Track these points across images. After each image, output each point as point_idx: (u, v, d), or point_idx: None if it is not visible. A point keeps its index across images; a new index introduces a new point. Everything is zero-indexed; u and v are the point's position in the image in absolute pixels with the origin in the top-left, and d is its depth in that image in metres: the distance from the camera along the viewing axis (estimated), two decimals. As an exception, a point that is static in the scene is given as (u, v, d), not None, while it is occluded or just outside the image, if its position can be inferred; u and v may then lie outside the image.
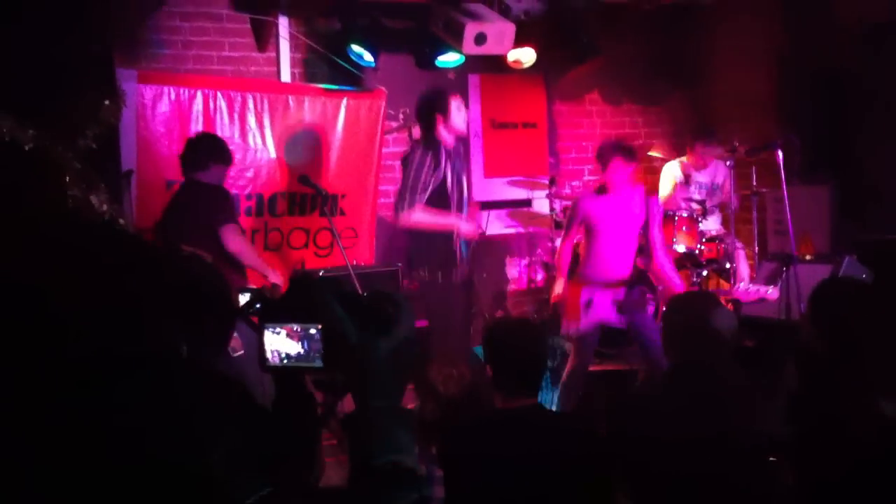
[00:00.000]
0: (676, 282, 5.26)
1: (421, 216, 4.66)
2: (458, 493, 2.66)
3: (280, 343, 1.64)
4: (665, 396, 3.02)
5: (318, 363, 1.61)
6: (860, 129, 6.30)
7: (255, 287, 3.59)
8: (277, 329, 1.64)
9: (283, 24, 6.07)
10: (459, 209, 4.84)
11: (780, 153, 5.73)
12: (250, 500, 1.66)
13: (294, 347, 1.62)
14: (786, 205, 5.77)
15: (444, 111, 4.77)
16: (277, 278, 4.56)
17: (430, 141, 4.76)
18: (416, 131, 6.56)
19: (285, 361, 1.65)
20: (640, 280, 5.92)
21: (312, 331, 1.59)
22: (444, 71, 6.47)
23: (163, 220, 4.68)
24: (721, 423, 2.86)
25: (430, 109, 4.81)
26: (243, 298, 2.54)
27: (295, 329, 1.61)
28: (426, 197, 4.66)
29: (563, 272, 5.28)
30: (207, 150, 4.69)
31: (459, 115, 4.84)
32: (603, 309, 5.04)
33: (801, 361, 3.15)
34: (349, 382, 1.55)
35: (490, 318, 6.58)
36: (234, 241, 4.49)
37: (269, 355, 1.67)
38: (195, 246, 4.16)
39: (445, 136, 4.77)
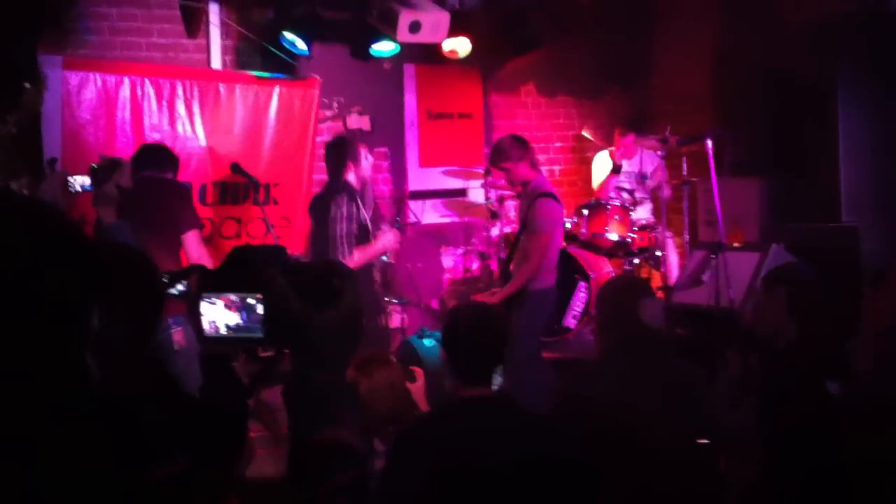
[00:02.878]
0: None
1: (357, 258, 4.93)
2: (405, 482, 2.54)
3: (217, 314, 1.56)
4: (600, 383, 3.05)
5: (259, 334, 1.54)
6: (791, 126, 6.43)
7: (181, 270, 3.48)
8: (213, 299, 1.56)
9: (214, 10, 5.97)
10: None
11: (710, 143, 5.83)
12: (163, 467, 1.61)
13: (233, 318, 1.55)
14: (715, 195, 5.88)
15: (355, 159, 5.06)
16: None
17: (345, 187, 5.01)
18: (351, 121, 6.54)
19: (223, 332, 1.58)
20: (573, 268, 5.98)
21: (251, 300, 1.52)
22: (380, 60, 6.44)
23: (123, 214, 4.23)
24: (658, 408, 2.89)
25: (341, 156, 5.06)
26: (178, 285, 2.48)
27: (233, 299, 1.54)
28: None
29: None
30: (164, 156, 4.62)
31: (367, 163, 5.19)
32: None
33: (750, 347, 3.20)
34: (292, 354, 1.51)
35: (426, 306, 6.58)
36: (196, 250, 4.37)
37: (205, 326, 1.59)
38: (156, 244, 4.04)
39: (353, 181, 5.03)
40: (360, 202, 5.04)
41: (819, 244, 5.83)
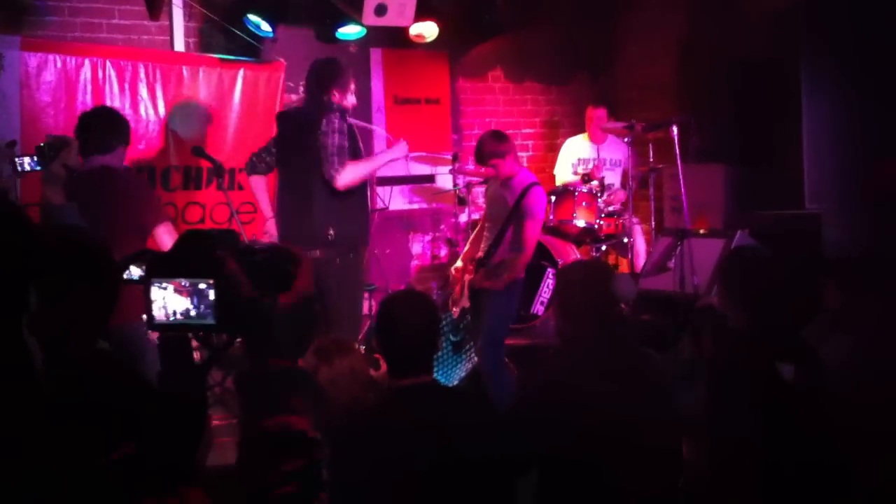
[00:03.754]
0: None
1: (354, 169, 4.69)
2: (347, 473, 2.55)
3: (168, 299, 1.53)
4: (571, 368, 3.02)
5: (210, 321, 1.52)
6: (756, 113, 6.49)
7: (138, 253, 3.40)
8: (164, 284, 1.53)
9: (177, -10, 5.86)
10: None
11: (676, 130, 5.86)
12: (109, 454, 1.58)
13: (183, 304, 1.52)
14: (681, 181, 5.92)
15: (344, 87, 4.80)
16: None
17: (334, 105, 4.74)
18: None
19: (173, 319, 1.55)
20: (540, 255, 5.98)
21: (203, 286, 1.49)
22: (346, 44, 6.37)
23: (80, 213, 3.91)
24: (626, 394, 2.88)
25: (330, 77, 4.78)
26: (135, 268, 2.42)
27: (183, 284, 1.51)
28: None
29: None
30: (111, 131, 4.15)
31: (351, 99, 4.90)
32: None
33: (705, 329, 3.21)
34: (244, 340, 1.49)
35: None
36: (171, 241, 4.01)
37: (155, 313, 1.56)
38: (121, 244, 3.83)
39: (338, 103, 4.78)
40: (355, 131, 4.79)
41: (782, 231, 5.90)
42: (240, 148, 5.75)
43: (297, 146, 4.81)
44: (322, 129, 4.64)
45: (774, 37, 6.35)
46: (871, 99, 5.77)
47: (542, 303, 6.09)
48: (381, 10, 5.53)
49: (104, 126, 4.15)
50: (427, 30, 6.38)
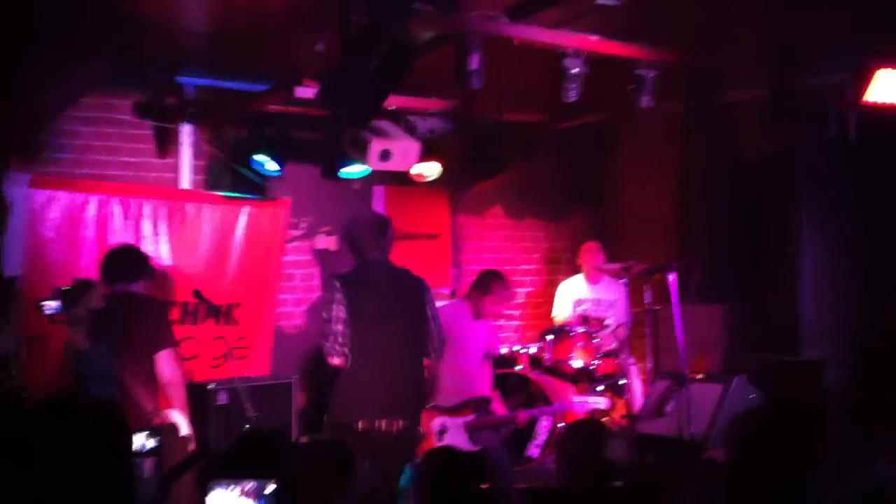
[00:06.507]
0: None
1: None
2: None
3: (232, 501, 1.54)
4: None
5: None
6: (755, 253, 6.55)
7: (154, 426, 3.45)
8: (232, 486, 1.54)
9: (186, 131, 6.03)
10: None
11: (672, 276, 5.89)
12: None
13: None
14: (677, 326, 5.91)
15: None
16: (186, 428, 4.36)
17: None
18: (318, 241, 6.56)
19: None
20: (536, 396, 5.95)
21: (270, 487, 1.51)
22: (349, 181, 6.51)
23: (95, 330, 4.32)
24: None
25: (391, 238, 4.93)
26: (141, 438, 2.39)
27: (249, 486, 1.53)
28: None
29: None
30: (136, 264, 4.58)
31: None
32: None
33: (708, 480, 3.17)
34: None
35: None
36: (170, 370, 4.34)
37: None
38: (132, 370, 4.10)
39: None
40: None
41: (781, 376, 5.86)
42: (239, 283, 5.83)
43: (392, 312, 4.67)
44: (429, 304, 4.77)
45: (772, 178, 6.47)
46: (869, 243, 5.86)
47: (537, 445, 6.02)
48: (385, 155, 5.68)
49: (129, 260, 4.57)
50: (428, 169, 6.53)
